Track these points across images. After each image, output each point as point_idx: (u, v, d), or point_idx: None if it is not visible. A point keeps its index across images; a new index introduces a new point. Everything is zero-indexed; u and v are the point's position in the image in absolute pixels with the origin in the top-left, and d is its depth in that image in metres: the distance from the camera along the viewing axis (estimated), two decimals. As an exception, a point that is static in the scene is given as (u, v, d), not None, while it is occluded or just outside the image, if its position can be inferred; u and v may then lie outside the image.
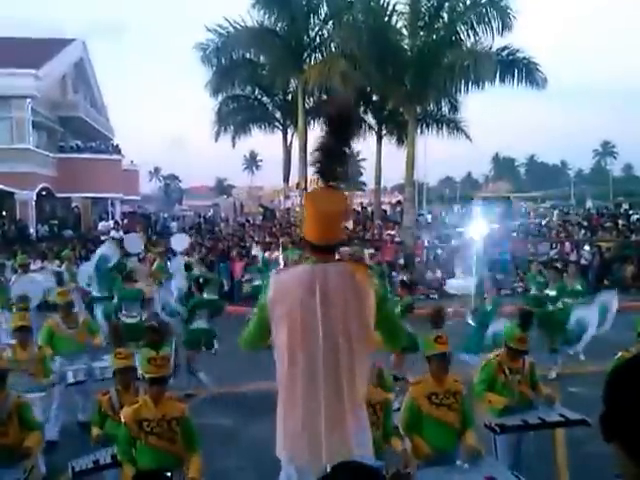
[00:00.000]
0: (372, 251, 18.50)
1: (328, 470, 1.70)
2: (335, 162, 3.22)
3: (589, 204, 43.32)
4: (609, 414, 1.23)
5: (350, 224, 25.63)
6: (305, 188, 26.04)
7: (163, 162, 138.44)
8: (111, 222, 29.76)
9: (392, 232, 22.02)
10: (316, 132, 26.70)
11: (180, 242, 17.07)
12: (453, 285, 16.32)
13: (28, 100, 25.63)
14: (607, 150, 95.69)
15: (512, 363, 5.32)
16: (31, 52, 26.73)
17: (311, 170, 3.32)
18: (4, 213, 27.02)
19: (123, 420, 4.36)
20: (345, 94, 18.03)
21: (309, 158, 3.35)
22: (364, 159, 61.14)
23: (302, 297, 3.05)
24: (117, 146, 33.53)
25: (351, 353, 3.04)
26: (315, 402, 3.00)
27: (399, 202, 31.67)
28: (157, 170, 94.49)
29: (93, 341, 7.78)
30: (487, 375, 5.29)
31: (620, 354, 5.49)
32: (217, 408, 8.13)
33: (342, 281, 3.07)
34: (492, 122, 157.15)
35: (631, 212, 28.81)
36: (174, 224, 30.58)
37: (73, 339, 7.52)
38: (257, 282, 15.43)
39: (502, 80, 21.76)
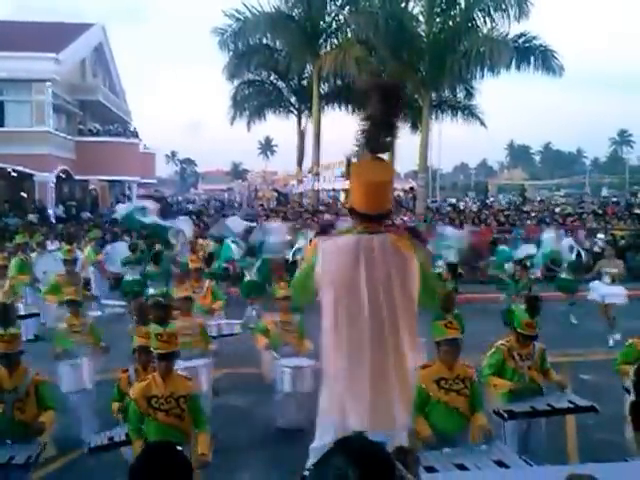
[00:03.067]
0: None
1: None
2: (383, 132, 3.22)
3: (604, 192, 43.12)
4: None
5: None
6: (317, 173, 26.21)
7: (180, 146, 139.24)
8: (128, 204, 30.04)
9: (405, 218, 22.13)
10: (330, 117, 26.78)
11: (236, 225, 17.26)
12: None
13: (48, 83, 25.83)
14: (624, 139, 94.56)
15: (522, 349, 5.27)
16: (51, 36, 26.95)
17: (358, 139, 3.29)
18: (24, 195, 27.41)
19: (132, 396, 4.44)
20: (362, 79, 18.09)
21: (357, 131, 3.29)
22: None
23: (347, 268, 3.08)
24: (135, 130, 33.78)
25: (395, 322, 3.08)
26: (361, 370, 3.02)
27: (412, 188, 31.72)
28: (174, 154, 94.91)
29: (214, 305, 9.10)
30: (495, 360, 5.25)
31: (630, 341, 5.56)
32: (231, 387, 8.14)
33: (385, 252, 3.11)
34: (508, 109, 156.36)
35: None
36: (189, 207, 30.87)
37: (197, 302, 8.56)
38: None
39: (518, 67, 21.77)
